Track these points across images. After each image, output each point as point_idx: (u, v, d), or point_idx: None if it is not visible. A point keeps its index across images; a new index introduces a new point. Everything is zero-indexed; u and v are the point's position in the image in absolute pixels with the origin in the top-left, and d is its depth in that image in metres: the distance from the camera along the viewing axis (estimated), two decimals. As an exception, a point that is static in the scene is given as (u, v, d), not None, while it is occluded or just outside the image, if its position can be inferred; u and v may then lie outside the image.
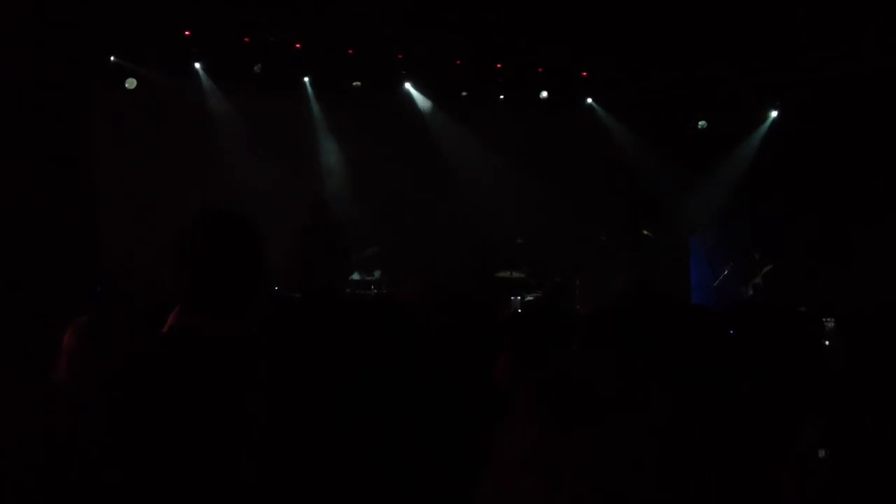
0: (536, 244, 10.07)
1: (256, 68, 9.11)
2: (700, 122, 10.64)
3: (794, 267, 9.51)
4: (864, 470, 2.34)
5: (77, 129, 8.33)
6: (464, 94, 10.20)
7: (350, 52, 9.41)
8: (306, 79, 9.88)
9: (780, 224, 9.98)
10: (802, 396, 2.49)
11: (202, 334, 1.88)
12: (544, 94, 10.33)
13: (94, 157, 8.66)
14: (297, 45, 9.28)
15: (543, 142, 10.48)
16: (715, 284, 10.12)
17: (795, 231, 9.82)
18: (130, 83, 8.79)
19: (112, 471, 1.74)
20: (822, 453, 2.32)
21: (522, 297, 9.19)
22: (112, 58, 8.71)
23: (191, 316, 1.89)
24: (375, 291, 9.07)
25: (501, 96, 10.38)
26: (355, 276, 9.24)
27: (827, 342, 3.07)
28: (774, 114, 10.54)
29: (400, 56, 9.78)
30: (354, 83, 9.68)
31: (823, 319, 3.46)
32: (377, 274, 9.36)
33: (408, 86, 10.23)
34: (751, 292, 9.66)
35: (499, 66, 9.96)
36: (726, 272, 10.02)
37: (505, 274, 9.78)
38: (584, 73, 10.43)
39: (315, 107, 10.03)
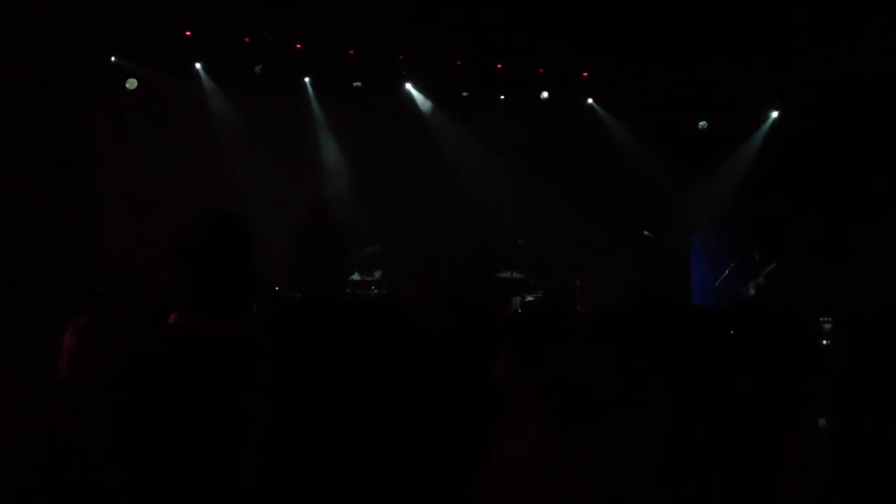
0: (537, 244, 10.06)
1: (257, 68, 9.11)
2: (700, 123, 10.62)
3: (794, 267, 9.51)
4: (864, 470, 2.34)
5: (77, 129, 8.34)
6: (464, 94, 10.19)
7: (350, 52, 9.40)
8: (307, 79, 9.87)
9: (781, 224, 9.97)
10: (802, 396, 2.49)
11: (202, 334, 1.88)
12: (545, 94, 10.32)
13: (94, 157, 8.66)
14: (298, 46, 9.26)
15: (544, 142, 10.48)
16: (715, 285, 10.11)
17: (795, 231, 9.81)
18: (131, 83, 8.78)
19: (112, 471, 1.74)
20: (822, 422, 2.32)
21: (523, 298, 9.17)
22: (112, 58, 8.70)
23: (191, 316, 1.89)
24: (375, 291, 9.07)
25: (502, 96, 10.37)
26: (355, 276, 9.24)
27: (827, 342, 3.07)
28: (775, 114, 10.53)
29: (400, 56, 9.77)
30: (355, 83, 9.67)
31: (820, 319, 3.46)
32: (377, 274, 9.36)
33: (408, 86, 10.22)
34: (752, 291, 9.65)
35: (499, 66, 9.95)
36: (727, 272, 10.02)
37: (505, 274, 9.76)
38: (585, 74, 10.42)
39: (315, 107, 10.01)
